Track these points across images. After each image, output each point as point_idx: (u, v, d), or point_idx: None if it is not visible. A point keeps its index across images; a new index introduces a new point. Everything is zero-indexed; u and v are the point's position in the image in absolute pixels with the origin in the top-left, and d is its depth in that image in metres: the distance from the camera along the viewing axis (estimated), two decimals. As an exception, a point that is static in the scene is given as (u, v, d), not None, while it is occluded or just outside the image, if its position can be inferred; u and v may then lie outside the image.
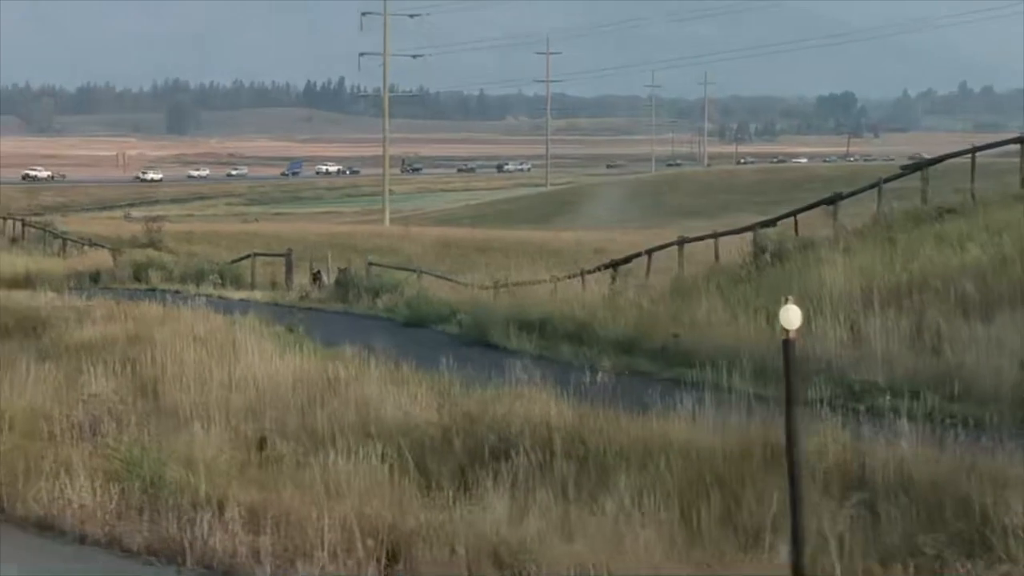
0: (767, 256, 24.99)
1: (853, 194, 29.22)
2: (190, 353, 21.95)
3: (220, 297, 36.34)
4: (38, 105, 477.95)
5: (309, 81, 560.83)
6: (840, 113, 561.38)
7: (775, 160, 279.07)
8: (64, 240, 54.47)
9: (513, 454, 13.24)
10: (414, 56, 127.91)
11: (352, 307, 35.20)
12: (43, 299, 33.58)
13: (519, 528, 10.42)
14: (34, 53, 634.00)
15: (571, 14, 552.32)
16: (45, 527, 11.41)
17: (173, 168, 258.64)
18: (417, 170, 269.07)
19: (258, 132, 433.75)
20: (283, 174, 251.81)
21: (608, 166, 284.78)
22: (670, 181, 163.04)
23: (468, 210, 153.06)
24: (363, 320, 32.68)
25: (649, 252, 34.50)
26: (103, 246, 52.19)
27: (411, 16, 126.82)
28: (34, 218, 70.76)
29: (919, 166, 29.55)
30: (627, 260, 34.88)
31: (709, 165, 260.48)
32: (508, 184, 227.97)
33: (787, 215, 30.42)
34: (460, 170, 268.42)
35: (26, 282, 42.58)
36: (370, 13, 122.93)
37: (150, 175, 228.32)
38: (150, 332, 25.77)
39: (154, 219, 62.35)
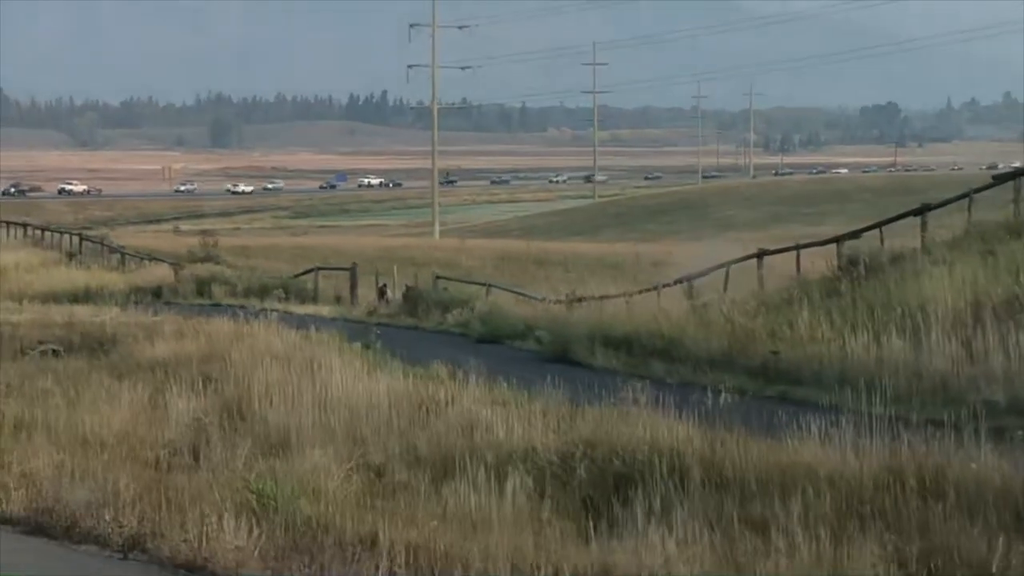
0: (861, 268, 24.15)
1: (942, 205, 28.32)
2: (273, 372, 21.34)
3: (286, 312, 35.67)
4: (81, 119, 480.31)
5: (352, 94, 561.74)
6: (883, 123, 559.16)
7: (813, 171, 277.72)
8: (122, 254, 54.03)
9: (641, 481, 12.55)
10: (463, 68, 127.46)
11: (422, 322, 34.60)
12: (107, 315, 33.18)
13: (693, 567, 9.74)
14: (77, 67, 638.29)
15: (611, 25, 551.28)
16: (196, 569, 10.62)
17: (215, 181, 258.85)
18: (452, 182, 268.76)
19: (301, 145, 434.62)
20: (322, 187, 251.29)
21: (646, 178, 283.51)
22: (718, 193, 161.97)
23: (516, 222, 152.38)
24: (435, 336, 32.09)
25: (727, 265, 33.64)
26: (162, 260, 51.77)
27: (460, 28, 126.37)
28: (86, 232, 70.33)
29: (1012, 176, 28.39)
30: (703, 274, 34.07)
31: (754, 176, 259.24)
32: (553, 196, 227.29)
33: (872, 227, 29.46)
34: (493, 182, 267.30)
35: (86, 297, 42.20)
36: (418, 25, 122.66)
37: (185, 187, 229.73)
38: (225, 349, 25.23)
39: (209, 233, 61.84)
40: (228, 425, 17.28)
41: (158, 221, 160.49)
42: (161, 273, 47.49)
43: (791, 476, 11.95)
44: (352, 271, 43.74)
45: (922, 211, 27.85)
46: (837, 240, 29.46)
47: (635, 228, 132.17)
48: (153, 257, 52.90)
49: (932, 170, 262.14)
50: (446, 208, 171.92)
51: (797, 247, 31.47)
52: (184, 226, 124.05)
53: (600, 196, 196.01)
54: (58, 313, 34.04)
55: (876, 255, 25.36)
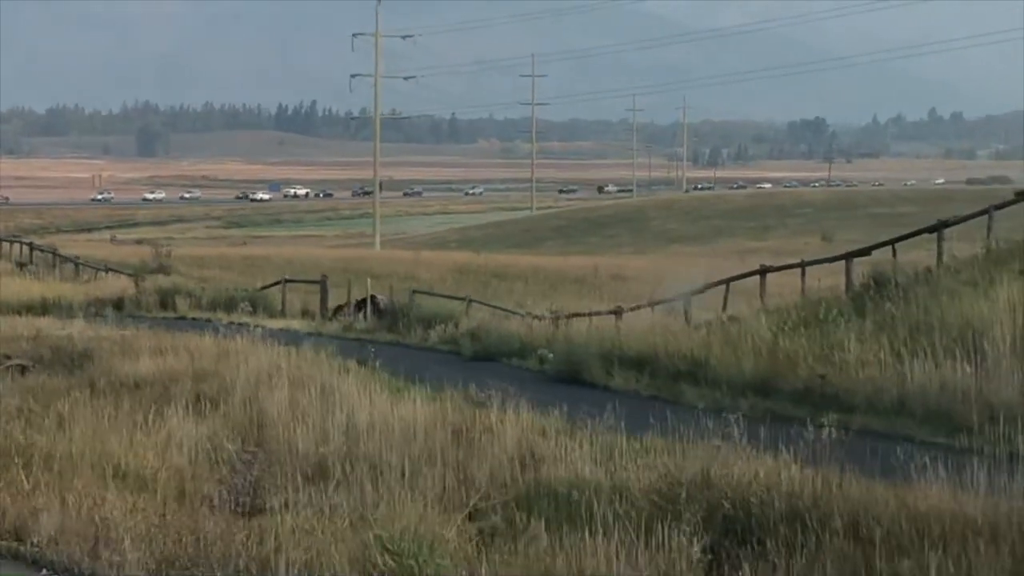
0: (893, 287, 22.94)
1: (960, 221, 27.18)
2: (281, 392, 19.95)
3: (257, 326, 34.11)
4: (7, 126, 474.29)
5: (281, 104, 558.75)
6: (811, 138, 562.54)
7: (735, 186, 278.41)
8: (76, 265, 52.23)
9: (759, 528, 11.26)
10: (406, 78, 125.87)
11: (404, 339, 33.10)
12: (74, 328, 31.49)
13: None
14: (2, 74, 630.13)
15: (538, 39, 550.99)
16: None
17: (132, 190, 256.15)
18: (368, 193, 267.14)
19: (229, 155, 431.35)
20: (238, 197, 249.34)
21: (599, 189, 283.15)
22: (658, 206, 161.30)
23: (454, 233, 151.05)
24: (422, 354, 30.61)
25: (727, 282, 32.44)
26: (119, 271, 50.05)
27: (403, 37, 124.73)
28: (31, 241, 68.21)
29: (1037, 192, 27.26)
30: (702, 290, 32.87)
31: (687, 190, 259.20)
32: (485, 208, 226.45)
33: (885, 244, 28.37)
34: (406, 194, 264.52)
35: (43, 309, 40.39)
36: (362, 34, 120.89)
37: (103, 195, 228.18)
38: (215, 367, 23.82)
39: (159, 244, 60.12)
40: (258, 456, 15.85)
41: (90, 230, 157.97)
42: (120, 285, 45.72)
43: (936, 525, 10.67)
44: (323, 284, 42.20)
45: (938, 228, 26.72)
46: (847, 257, 28.34)
47: (577, 241, 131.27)
48: (109, 268, 51.12)
49: (854, 185, 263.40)
50: (382, 220, 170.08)
51: (803, 264, 30.30)
52: (122, 235, 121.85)
53: (539, 208, 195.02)
54: (22, 326, 32.27)
55: (900, 273, 24.18)
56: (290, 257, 71.80)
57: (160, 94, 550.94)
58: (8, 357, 27.14)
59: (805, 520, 11.16)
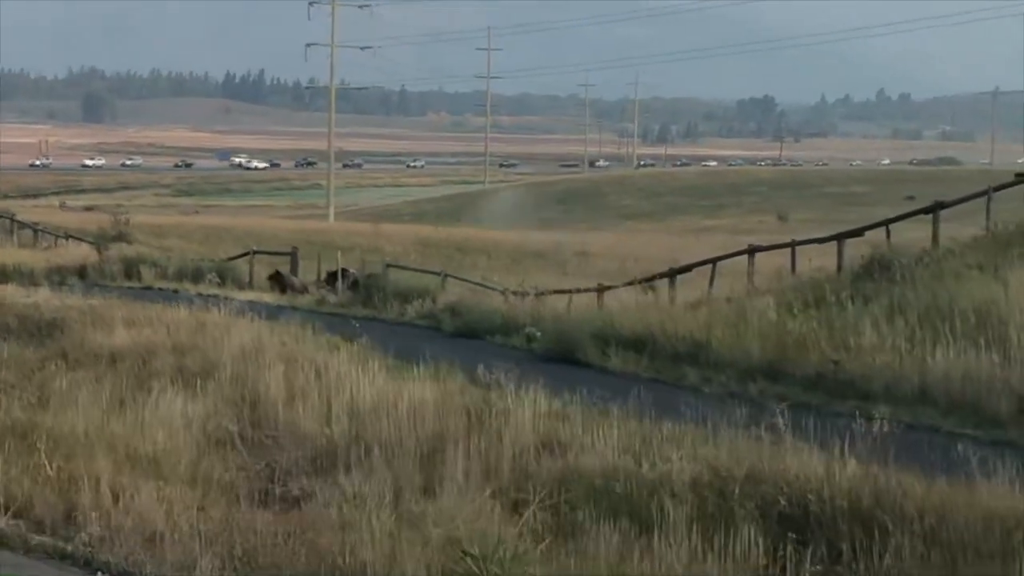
0: (896, 270, 22.31)
1: (958, 202, 26.58)
2: (275, 370, 19.17)
3: (226, 298, 33.20)
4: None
5: (228, 72, 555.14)
6: (760, 117, 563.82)
7: (678, 163, 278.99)
8: (36, 231, 51.03)
9: (820, 527, 10.60)
10: (363, 48, 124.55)
11: (380, 314, 32.18)
12: (39, 296, 30.56)
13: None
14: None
15: (486, 14, 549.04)
16: None
17: (72, 156, 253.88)
18: (312, 163, 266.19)
19: (175, 122, 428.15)
20: (177, 165, 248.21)
21: (562, 166, 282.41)
22: (612, 182, 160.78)
23: (407, 206, 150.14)
24: (402, 329, 29.80)
25: (714, 261, 31.69)
26: (81, 239, 48.93)
27: (360, 7, 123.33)
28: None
29: (1037, 174, 26.70)
30: (687, 269, 32.17)
31: (638, 167, 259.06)
32: (437, 181, 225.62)
33: (878, 224, 27.72)
34: (346, 166, 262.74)
35: (2, 276, 39.35)
36: (318, 2, 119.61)
37: (40, 161, 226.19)
38: (194, 340, 23.02)
39: (118, 211, 58.90)
40: (264, 438, 15.10)
41: (35, 195, 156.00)
42: (82, 253, 44.62)
43: (1018, 530, 10.02)
44: (293, 256, 41.30)
45: (935, 209, 26.10)
46: (839, 237, 27.73)
47: (530, 216, 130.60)
48: (70, 235, 50.00)
49: (800, 165, 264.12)
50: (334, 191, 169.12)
51: (792, 244, 29.61)
52: (72, 202, 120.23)
53: (491, 182, 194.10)
54: (-11, 295, 31.27)
55: (902, 255, 23.56)
56: (249, 228, 70.68)
57: (106, 59, 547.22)
58: (-28, 326, 26.22)
59: (874, 520, 10.50)
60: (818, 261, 30.06)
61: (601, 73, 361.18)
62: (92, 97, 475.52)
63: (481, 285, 36.44)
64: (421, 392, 17.02)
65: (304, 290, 40.04)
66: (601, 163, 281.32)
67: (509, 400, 15.72)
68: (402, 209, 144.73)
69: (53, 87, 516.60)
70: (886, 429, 11.84)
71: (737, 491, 11.11)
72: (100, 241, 47.37)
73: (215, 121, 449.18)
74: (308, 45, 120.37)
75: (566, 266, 55.65)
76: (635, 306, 26.33)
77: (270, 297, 36.23)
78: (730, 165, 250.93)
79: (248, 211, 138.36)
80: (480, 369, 17.25)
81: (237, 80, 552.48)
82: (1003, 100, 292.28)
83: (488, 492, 11.58)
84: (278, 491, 12.20)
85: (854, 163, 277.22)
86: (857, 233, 27.94)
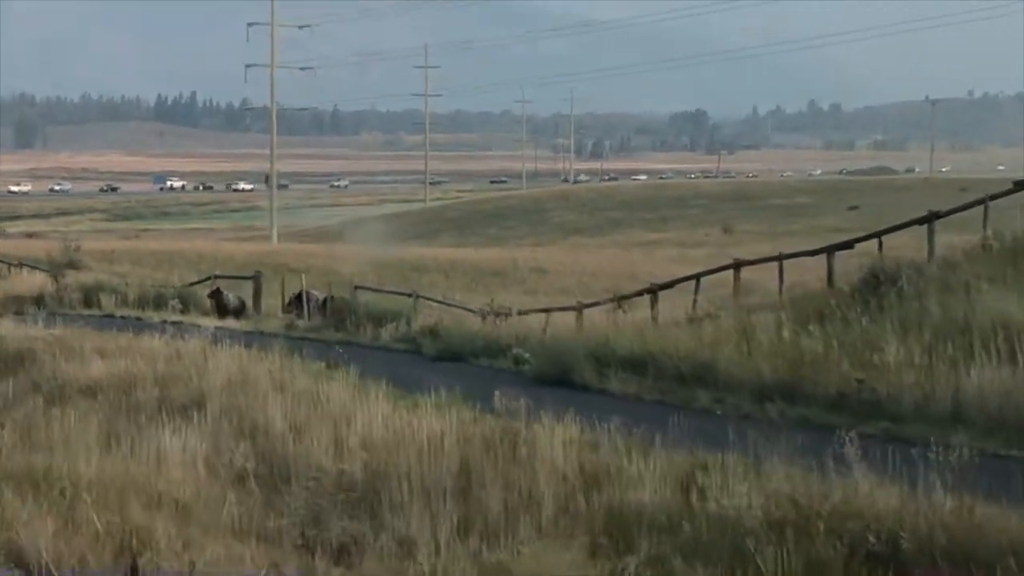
0: (903, 283, 21.64)
1: (953, 212, 25.94)
2: (266, 400, 18.37)
3: (193, 325, 32.26)
4: None
5: (160, 95, 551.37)
6: (692, 130, 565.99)
7: (607, 178, 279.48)
8: (-12, 261, 49.83)
9: (912, 565, 9.88)
10: (302, 69, 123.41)
11: (354, 337, 31.28)
12: (3, 327, 29.61)
13: None
14: None
15: (418, 31, 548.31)
16: None
17: (25, 184, 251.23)
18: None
19: (109, 147, 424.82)
20: (102, 190, 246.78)
21: (492, 182, 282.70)
22: (554, 198, 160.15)
23: (349, 227, 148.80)
24: (380, 354, 28.88)
25: (697, 277, 30.95)
26: (35, 267, 47.71)
27: (300, 27, 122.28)
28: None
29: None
30: (669, 285, 31.43)
31: (575, 182, 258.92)
32: (375, 200, 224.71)
33: (870, 236, 27.01)
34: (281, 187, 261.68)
35: (-46, 307, 38.27)
36: (257, 24, 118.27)
37: None
38: (175, 371, 22.13)
39: (69, 237, 57.66)
40: (277, 475, 14.25)
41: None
42: (37, 281, 43.47)
43: None
44: (256, 279, 40.24)
45: (930, 219, 25.44)
46: (829, 250, 27.08)
47: (475, 232, 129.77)
48: (24, 263, 48.80)
49: (732, 176, 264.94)
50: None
51: (780, 257, 28.92)
52: (11, 228, 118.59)
53: (432, 200, 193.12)
54: (-59, 326, 30.21)
55: (904, 268, 22.89)
56: (200, 251, 69.49)
57: (36, 85, 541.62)
58: (-66, 359, 25.22)
59: (976, 559, 9.76)
60: (794, 275, 29.55)
61: (534, 90, 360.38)
62: (23, 123, 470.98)
63: (454, 306, 35.62)
64: (431, 421, 16.25)
65: (241, 310, 39.19)
66: (583, 177, 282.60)
67: (533, 428, 14.98)
68: (342, 230, 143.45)
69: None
70: (965, 456, 11.08)
71: (822, 528, 10.36)
72: (54, 268, 46.27)
73: (148, 144, 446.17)
74: (248, 66, 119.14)
75: (525, 283, 54.93)
76: (630, 325, 25.60)
77: (236, 323, 35.26)
78: (661, 179, 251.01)
79: (188, 234, 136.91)
80: (481, 395, 16.53)
81: (169, 103, 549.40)
82: (935, 108, 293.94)
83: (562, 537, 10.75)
84: (319, 536, 11.36)
85: (785, 174, 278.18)
86: (848, 245, 27.29)
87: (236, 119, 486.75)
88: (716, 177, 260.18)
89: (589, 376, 22.35)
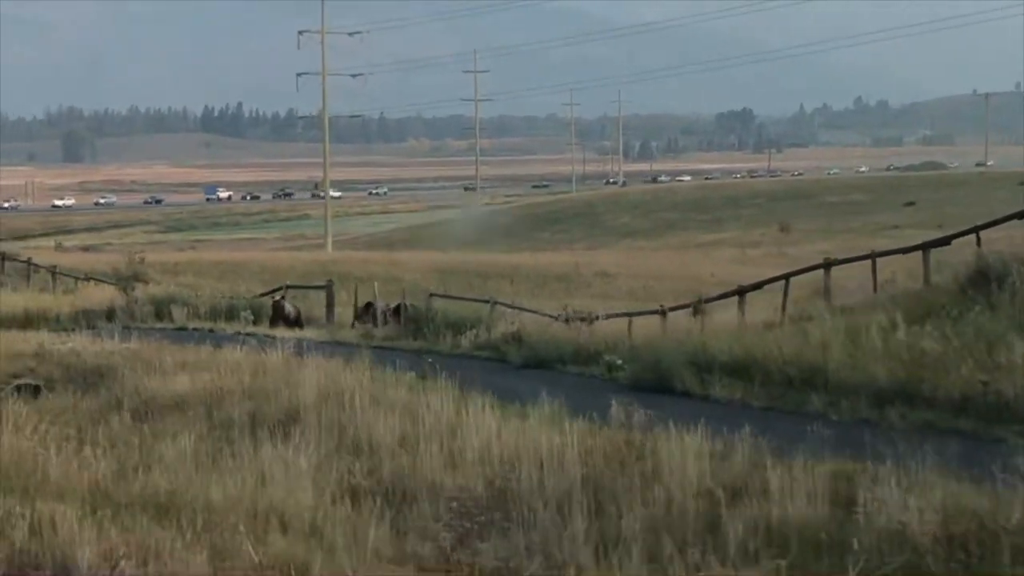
0: (1013, 281, 20.86)
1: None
2: (372, 413, 17.76)
3: (267, 336, 31.78)
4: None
5: (207, 106, 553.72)
6: (739, 129, 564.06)
7: (647, 179, 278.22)
8: (53, 274, 49.40)
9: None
10: (353, 76, 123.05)
11: (434, 346, 30.70)
12: (77, 342, 29.11)
13: None
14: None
15: (459, 37, 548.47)
16: None
17: (43, 197, 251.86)
18: (289, 194, 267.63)
19: (156, 158, 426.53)
20: (146, 202, 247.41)
21: (534, 186, 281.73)
22: (606, 200, 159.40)
23: (400, 233, 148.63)
24: (464, 362, 28.16)
25: (786, 277, 30.11)
26: (102, 280, 47.33)
27: (350, 34, 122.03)
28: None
29: None
30: (758, 286, 30.63)
31: (624, 184, 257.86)
32: (424, 206, 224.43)
33: (966, 232, 26.19)
34: (313, 195, 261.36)
35: (27, 321, 37.86)
36: (307, 31, 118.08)
37: (9, 204, 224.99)
38: (262, 384, 21.53)
39: (133, 250, 57.39)
40: (398, 493, 13.62)
41: (25, 237, 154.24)
42: (106, 294, 43.08)
43: None
44: (328, 289, 39.81)
45: (1032, 213, 24.60)
46: (925, 247, 26.27)
47: (527, 237, 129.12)
48: (91, 277, 48.43)
49: (777, 174, 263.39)
50: (321, 221, 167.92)
51: (873, 255, 28.13)
52: (68, 242, 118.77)
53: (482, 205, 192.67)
54: (18, 341, 29.80)
55: (1006, 264, 22.04)
56: (263, 262, 69.11)
57: (84, 98, 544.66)
58: (16, 376, 24.72)
59: None
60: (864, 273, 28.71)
61: (578, 93, 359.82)
62: (72, 137, 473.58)
63: (533, 311, 34.91)
64: (548, 434, 15.60)
65: (297, 320, 38.77)
66: (621, 179, 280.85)
67: (655, 439, 14.33)
68: (394, 236, 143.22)
69: (32, 128, 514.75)
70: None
71: (1007, 545, 9.65)
72: (121, 281, 45.90)
73: (195, 155, 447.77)
74: (300, 75, 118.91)
75: (591, 287, 54.26)
76: (720, 329, 24.88)
77: (311, 333, 34.74)
78: (707, 179, 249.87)
79: (240, 244, 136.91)
80: (582, 404, 15.88)
81: (216, 114, 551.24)
82: (980, 102, 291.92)
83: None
84: (474, 560, 10.73)
85: (831, 171, 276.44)
86: (945, 242, 26.48)
87: (281, 128, 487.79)
88: (764, 176, 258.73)
89: (690, 382, 21.65)
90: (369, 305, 36.82)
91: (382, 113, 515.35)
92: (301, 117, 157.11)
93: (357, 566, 9.69)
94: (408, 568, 10.13)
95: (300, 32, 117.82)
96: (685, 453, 13.77)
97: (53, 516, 10.32)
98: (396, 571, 9.85)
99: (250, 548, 9.81)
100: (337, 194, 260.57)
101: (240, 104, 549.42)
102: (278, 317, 38.56)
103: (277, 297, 40.25)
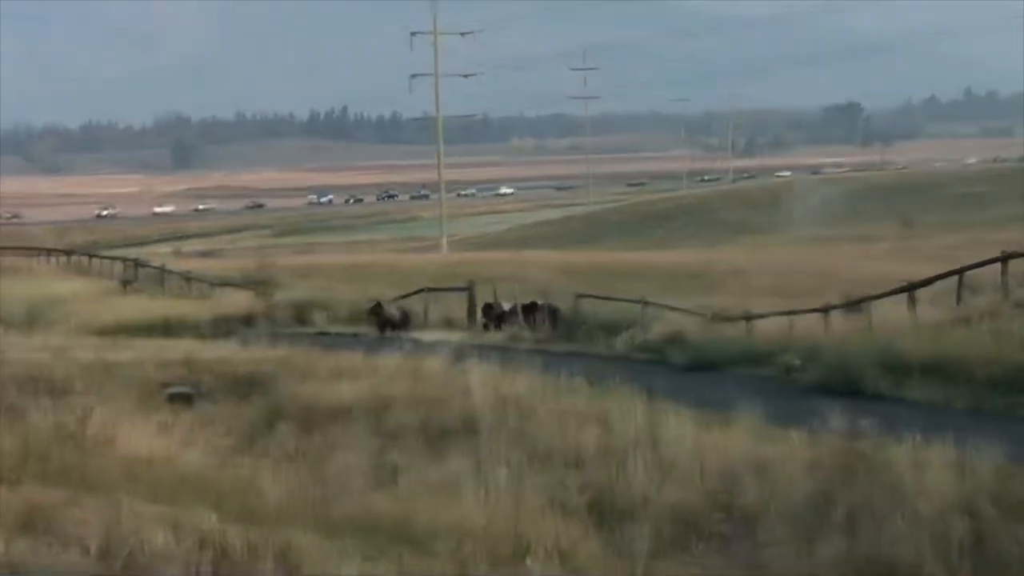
0: None
1: None
2: (565, 424, 16.89)
3: (409, 339, 31.06)
4: (41, 144, 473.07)
5: (312, 110, 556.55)
6: (846, 123, 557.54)
7: (745, 176, 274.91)
8: (187, 280, 49.06)
9: None
10: (466, 76, 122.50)
11: (588, 348, 29.81)
12: (224, 350, 28.61)
13: None
14: (35, 92, 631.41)
15: (566, 37, 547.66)
16: None
17: (140, 205, 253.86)
18: (393, 196, 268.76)
19: (264, 164, 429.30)
20: (247, 207, 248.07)
21: (629, 184, 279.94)
22: (720, 197, 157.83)
23: (512, 233, 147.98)
24: (622, 365, 27.16)
25: (960, 272, 28.79)
26: (237, 285, 46.96)
27: (462, 34, 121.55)
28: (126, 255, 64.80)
29: None
30: (928, 282, 29.31)
31: (733, 180, 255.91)
32: (532, 206, 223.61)
33: None
34: (413, 197, 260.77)
35: (166, 329, 37.43)
36: (420, 32, 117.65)
37: (107, 212, 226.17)
38: (426, 391, 20.81)
39: (266, 254, 56.98)
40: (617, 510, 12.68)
41: (140, 244, 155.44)
42: (242, 300, 42.65)
43: None
44: (470, 291, 39.02)
45: None
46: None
47: (641, 235, 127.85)
48: (225, 283, 48.00)
49: (882, 168, 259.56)
50: (431, 222, 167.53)
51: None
52: (188, 248, 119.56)
53: (596, 203, 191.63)
54: (165, 349, 29.29)
55: None
56: (391, 264, 68.57)
57: (190, 105, 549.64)
58: (167, 385, 24.12)
59: None
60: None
61: (681, 88, 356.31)
62: (180, 144, 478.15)
63: (682, 311, 33.80)
64: (755, 443, 14.62)
65: (403, 323, 37.86)
66: (713, 176, 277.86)
67: (887, 450, 13.28)
68: (506, 236, 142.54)
69: (141, 136, 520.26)
70: None
71: None
72: (256, 287, 45.40)
73: (302, 160, 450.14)
74: (413, 76, 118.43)
75: (725, 285, 53.05)
76: (903, 327, 23.70)
77: (456, 336, 33.95)
78: (813, 174, 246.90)
79: (356, 247, 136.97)
80: (766, 407, 14.85)
81: (322, 118, 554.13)
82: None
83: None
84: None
85: (936, 163, 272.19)
86: None
87: (386, 131, 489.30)
88: (865, 169, 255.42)
89: (881, 384, 20.54)
90: (489, 306, 36.04)
91: (485, 113, 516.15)
92: (414, 119, 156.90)
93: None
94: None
95: (413, 33, 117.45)
96: (923, 465, 12.77)
97: (299, 545, 9.38)
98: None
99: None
100: (427, 193, 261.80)
101: (345, 108, 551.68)
102: (384, 323, 37.54)
103: (372, 303, 39.19)
